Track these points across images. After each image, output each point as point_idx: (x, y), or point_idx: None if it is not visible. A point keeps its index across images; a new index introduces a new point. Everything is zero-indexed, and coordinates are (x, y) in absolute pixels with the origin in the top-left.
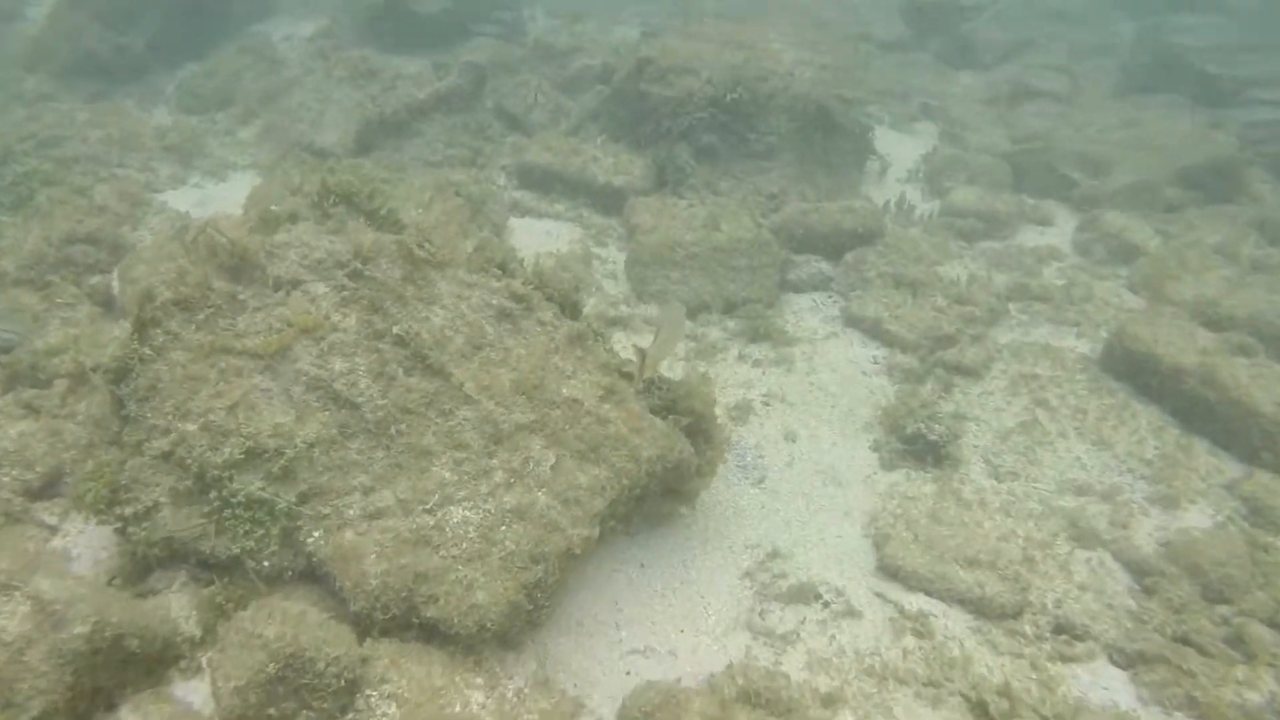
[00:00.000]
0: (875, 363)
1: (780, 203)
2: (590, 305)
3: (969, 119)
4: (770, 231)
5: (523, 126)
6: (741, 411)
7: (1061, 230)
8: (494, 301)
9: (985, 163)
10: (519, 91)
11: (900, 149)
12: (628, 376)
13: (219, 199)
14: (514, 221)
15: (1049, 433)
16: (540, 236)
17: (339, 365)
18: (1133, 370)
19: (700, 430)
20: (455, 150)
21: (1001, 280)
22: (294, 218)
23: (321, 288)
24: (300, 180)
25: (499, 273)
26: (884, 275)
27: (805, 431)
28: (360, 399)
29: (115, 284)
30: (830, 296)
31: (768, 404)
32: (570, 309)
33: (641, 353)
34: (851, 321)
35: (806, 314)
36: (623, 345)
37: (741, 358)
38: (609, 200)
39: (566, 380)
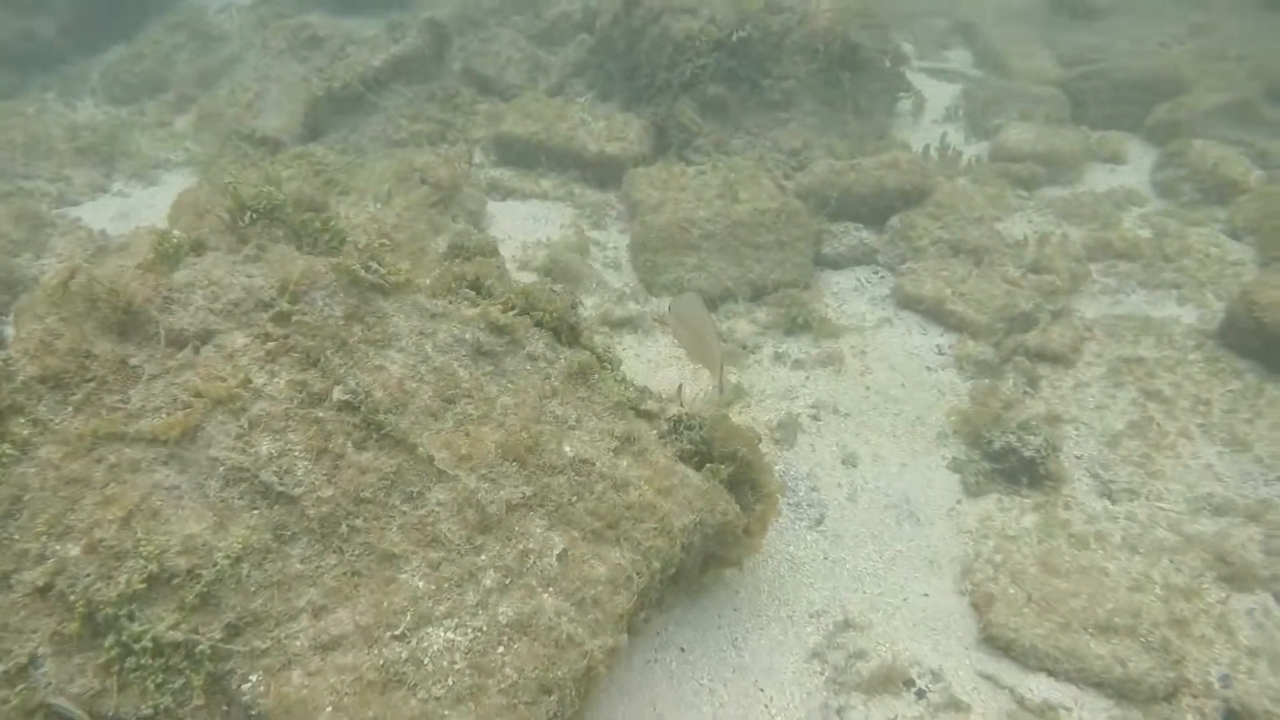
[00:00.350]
0: (940, 354)
1: (804, 160)
2: (591, 305)
3: (1008, 41)
4: (797, 197)
5: (497, 90)
6: (787, 431)
7: (1136, 168)
8: (467, 336)
9: (1037, 93)
10: (489, 48)
11: (932, 83)
12: (647, 415)
13: (146, 208)
14: (493, 206)
15: (1167, 433)
16: (525, 222)
17: (267, 446)
18: (1265, 345)
19: (746, 478)
20: (420, 125)
21: (1076, 236)
22: (199, 247)
23: (239, 339)
24: (234, 180)
25: (472, 294)
26: (939, 242)
27: (866, 451)
28: (299, 489)
29: (10, 331)
30: (876, 272)
31: (817, 418)
32: (567, 333)
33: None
34: (905, 302)
35: (850, 296)
36: (634, 353)
37: (779, 358)
38: (603, 171)
39: (570, 433)
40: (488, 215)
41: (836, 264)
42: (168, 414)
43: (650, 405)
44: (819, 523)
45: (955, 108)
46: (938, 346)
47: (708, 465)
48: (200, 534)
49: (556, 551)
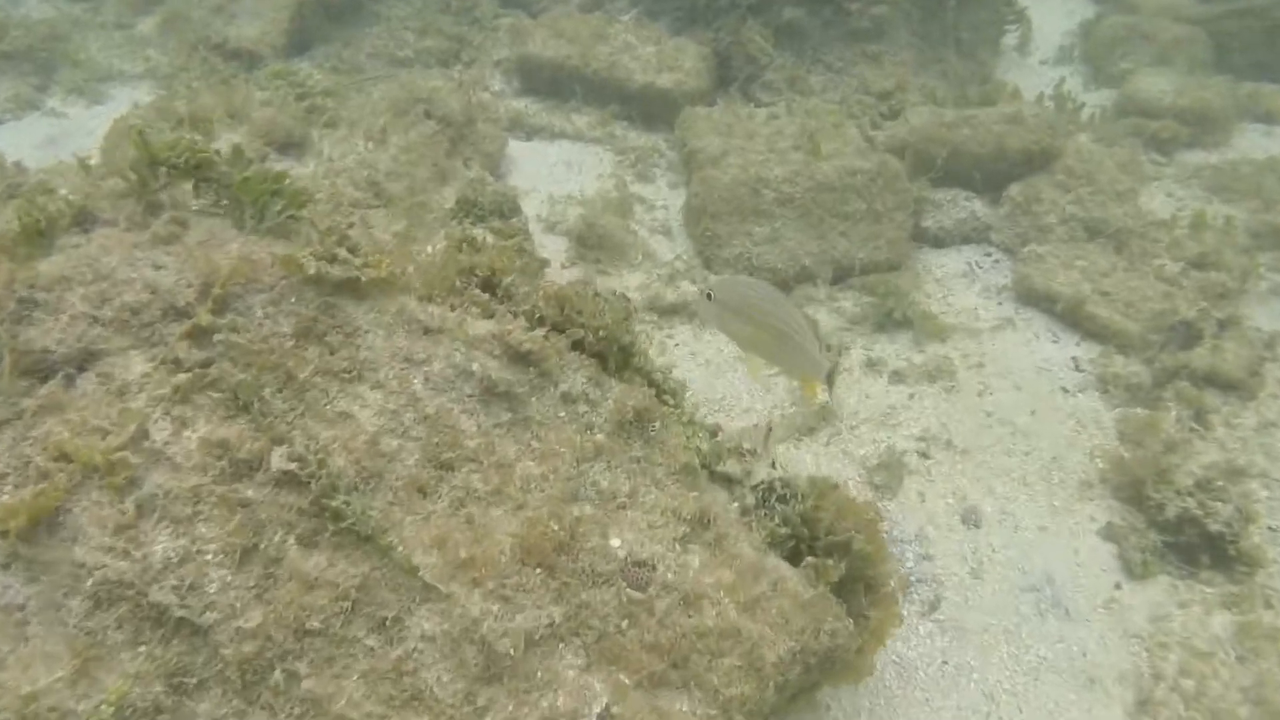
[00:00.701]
0: (1078, 369)
1: (896, 105)
2: (635, 286)
3: None
4: (889, 153)
5: (522, 1)
6: (889, 472)
7: None
8: (475, 367)
9: (1176, 33)
10: None
11: (1036, 13)
12: (725, 480)
13: (84, 134)
14: (515, 147)
15: None
16: (554, 168)
17: (164, 546)
18: None
19: (860, 575)
20: (431, 40)
21: (1236, 219)
22: (85, 219)
23: (136, 365)
24: (188, 105)
25: (484, 298)
26: (1070, 220)
27: (992, 505)
28: (211, 616)
29: None
30: (990, 254)
31: (927, 455)
32: (619, 356)
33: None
34: (1029, 297)
35: (958, 284)
36: (689, 350)
37: (872, 366)
38: (651, 108)
39: (619, 517)
40: (508, 158)
41: (940, 241)
42: (15, 487)
43: (730, 466)
44: (934, 609)
45: (1070, 46)
46: (1074, 360)
47: (809, 560)
48: (51, 689)
49: (598, 709)
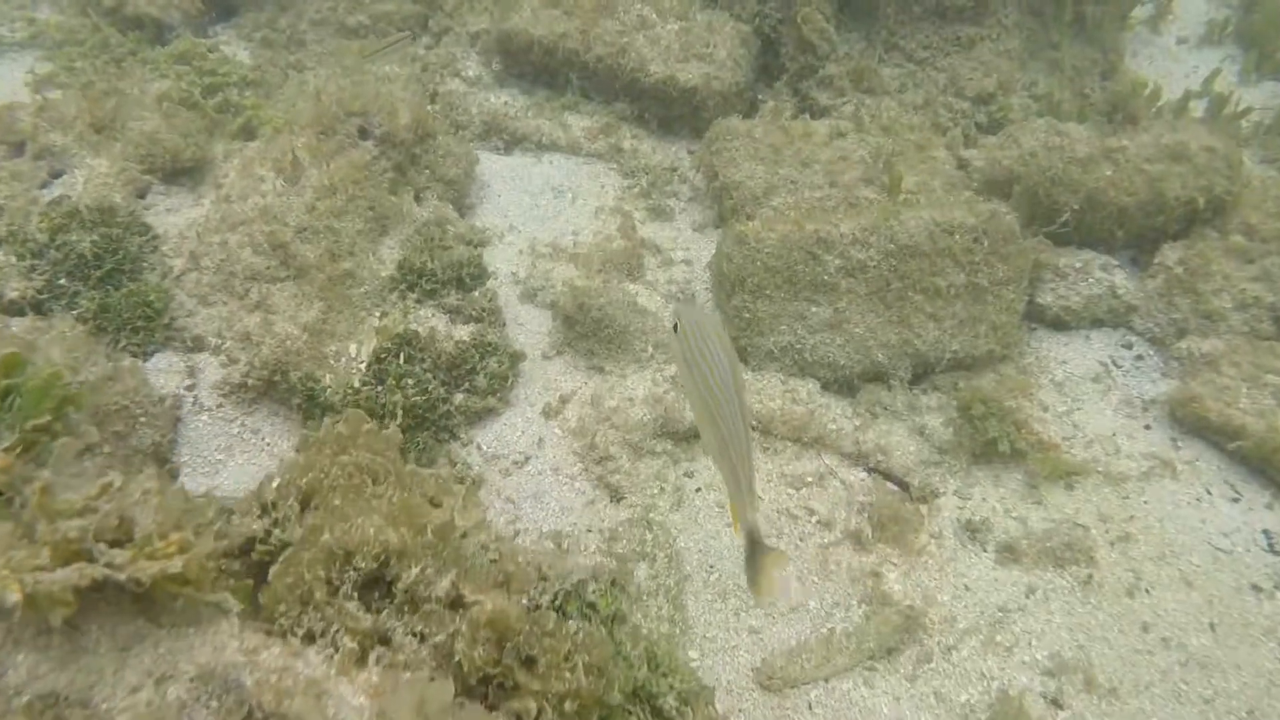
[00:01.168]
0: (1273, 550)
1: (999, 113)
2: (640, 396)
3: None
4: (990, 185)
5: None
6: None
7: None
8: None
9: None
10: None
11: None
12: None
13: None
14: (489, 165)
15: None
16: (540, 198)
17: None
18: None
19: None
20: (391, 4)
21: None
22: None
23: None
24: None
25: (363, 622)
26: (1253, 306)
27: None
28: None
29: None
30: (1131, 346)
31: (1058, 703)
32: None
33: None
34: (1188, 422)
35: (1089, 394)
36: (716, 499)
37: (972, 534)
38: (673, 108)
39: None
40: (479, 182)
41: (1061, 323)
42: None
43: None
44: None
45: (1223, 21)
46: (1267, 537)
47: None
48: None
49: None
